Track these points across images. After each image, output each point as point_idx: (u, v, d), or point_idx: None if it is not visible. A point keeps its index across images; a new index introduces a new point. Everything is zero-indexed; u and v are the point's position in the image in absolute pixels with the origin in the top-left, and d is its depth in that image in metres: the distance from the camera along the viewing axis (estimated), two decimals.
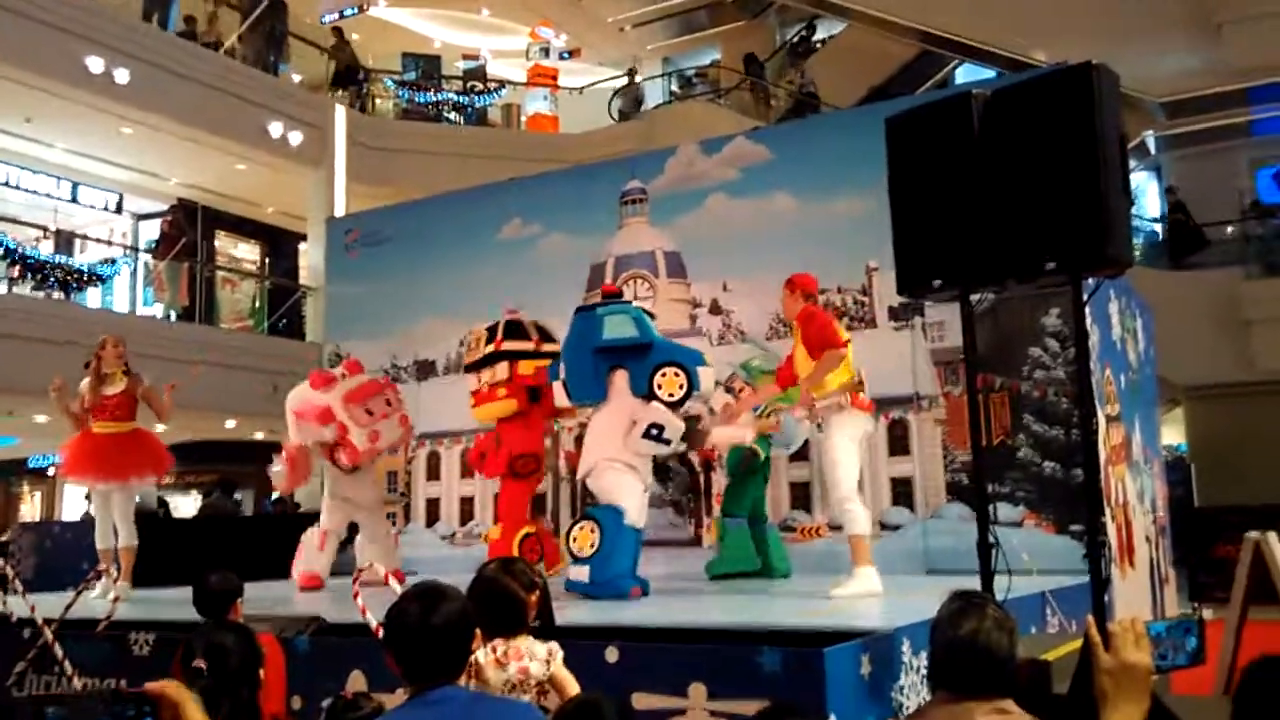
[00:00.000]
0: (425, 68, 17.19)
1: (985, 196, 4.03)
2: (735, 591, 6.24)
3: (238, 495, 12.02)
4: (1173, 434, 15.08)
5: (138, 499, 8.78)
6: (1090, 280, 4.26)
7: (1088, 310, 4.34)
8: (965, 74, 16.30)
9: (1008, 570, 3.99)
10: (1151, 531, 8.30)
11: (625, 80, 17.56)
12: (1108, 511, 6.54)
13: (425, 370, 9.35)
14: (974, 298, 4.35)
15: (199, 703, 1.51)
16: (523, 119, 17.46)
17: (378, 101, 16.87)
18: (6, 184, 13.61)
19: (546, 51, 18.38)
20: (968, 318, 4.32)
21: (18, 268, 11.72)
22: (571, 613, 4.59)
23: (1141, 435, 8.20)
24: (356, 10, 17.64)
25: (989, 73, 14.64)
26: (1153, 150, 15.67)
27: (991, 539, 4.04)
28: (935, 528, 6.98)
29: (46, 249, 13.04)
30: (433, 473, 9.25)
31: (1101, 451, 6.44)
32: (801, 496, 7.53)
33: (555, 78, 17.96)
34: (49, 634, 4.75)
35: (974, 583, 3.87)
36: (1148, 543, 8.02)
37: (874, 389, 7.40)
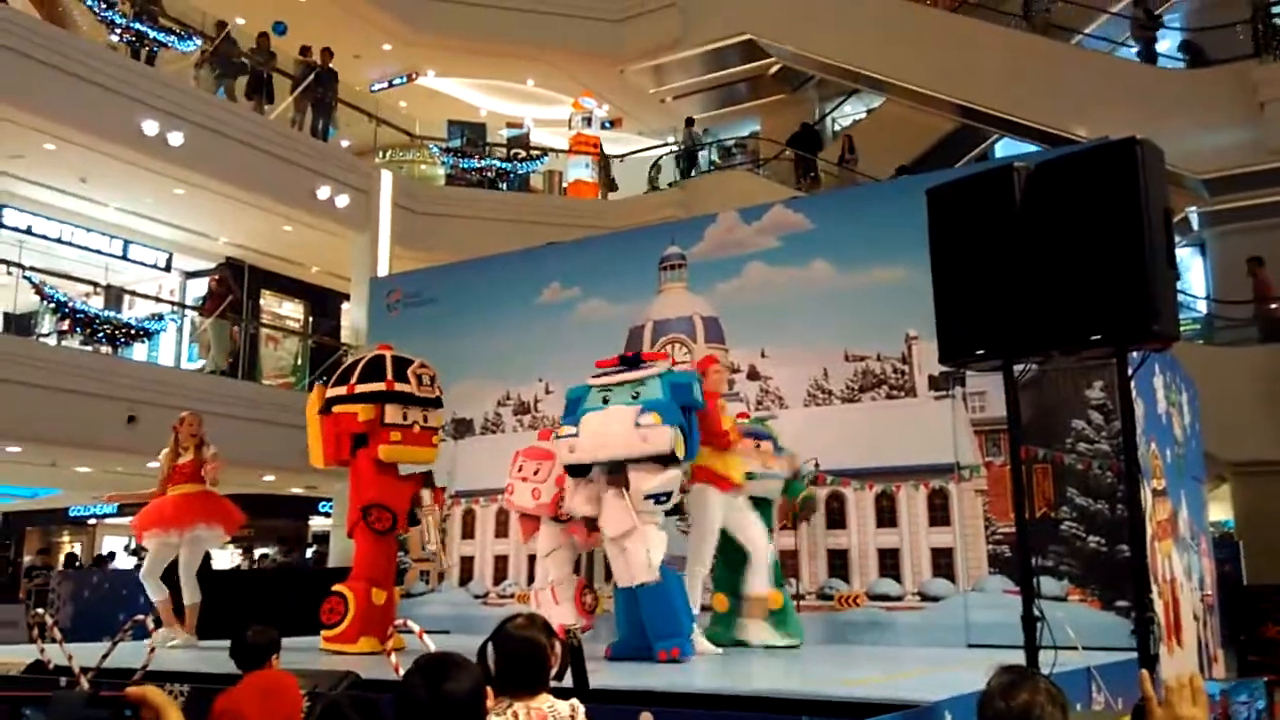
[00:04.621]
0: (470, 135, 17.51)
1: (1028, 268, 4.05)
2: (769, 656, 6.16)
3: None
4: (1220, 511, 14.75)
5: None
6: (1135, 354, 4.23)
7: (1132, 383, 4.31)
8: (1005, 148, 16.35)
9: (1053, 645, 3.92)
10: (1199, 609, 8.10)
11: (664, 149, 17.81)
12: (1154, 588, 6.41)
13: (462, 429, 9.40)
14: (1017, 368, 4.34)
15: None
16: (564, 185, 17.72)
17: (423, 167, 17.20)
18: (60, 240, 13.97)
19: (589, 121, 18.70)
20: (1011, 388, 4.30)
21: (68, 322, 11.96)
22: (605, 676, 4.54)
23: (1188, 511, 8.05)
24: (406, 79, 18.09)
25: (1029, 147, 14.66)
26: (1195, 227, 15.56)
27: (1037, 613, 3.97)
28: (977, 600, 6.86)
29: (97, 304, 13.31)
30: (467, 531, 9.25)
31: (1148, 526, 6.32)
32: (840, 565, 7.43)
33: (597, 146, 18.24)
34: (85, 683, 4.76)
35: (1018, 657, 3.80)
36: (1196, 620, 7.82)
37: (914, 458, 7.34)
